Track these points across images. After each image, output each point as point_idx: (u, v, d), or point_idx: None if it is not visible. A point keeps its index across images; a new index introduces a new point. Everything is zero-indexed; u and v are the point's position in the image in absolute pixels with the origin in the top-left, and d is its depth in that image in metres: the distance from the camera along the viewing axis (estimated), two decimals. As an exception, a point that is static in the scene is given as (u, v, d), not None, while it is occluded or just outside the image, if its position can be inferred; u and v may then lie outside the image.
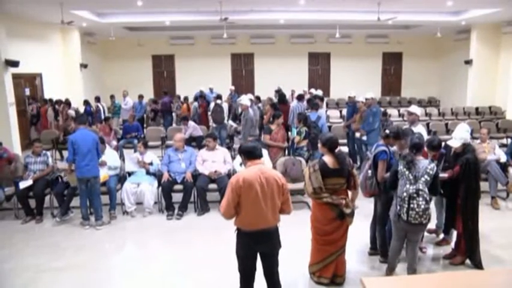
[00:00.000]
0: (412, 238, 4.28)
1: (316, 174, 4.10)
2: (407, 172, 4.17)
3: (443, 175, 4.84)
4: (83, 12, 12.12)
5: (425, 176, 4.08)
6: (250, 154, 3.51)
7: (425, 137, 5.66)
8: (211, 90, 15.29)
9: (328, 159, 4.18)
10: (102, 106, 13.44)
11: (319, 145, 4.31)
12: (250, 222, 3.43)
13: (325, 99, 11.82)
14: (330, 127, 10.04)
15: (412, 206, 4.09)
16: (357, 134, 8.73)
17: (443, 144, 5.28)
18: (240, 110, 12.26)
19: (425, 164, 4.14)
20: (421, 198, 4.06)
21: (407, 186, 4.13)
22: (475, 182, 4.71)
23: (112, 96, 13.90)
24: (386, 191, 4.57)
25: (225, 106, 11.21)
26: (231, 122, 11.20)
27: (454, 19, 13.78)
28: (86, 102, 13.09)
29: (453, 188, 4.78)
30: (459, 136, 4.76)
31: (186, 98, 13.69)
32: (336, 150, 4.22)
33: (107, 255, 5.29)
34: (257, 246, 3.50)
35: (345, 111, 11.12)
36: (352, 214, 4.19)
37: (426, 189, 4.06)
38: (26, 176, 6.54)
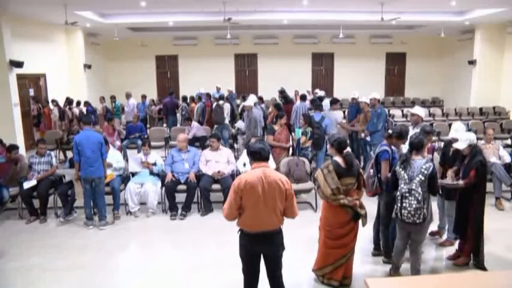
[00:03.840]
0: (415, 238, 4.28)
1: (331, 175, 4.09)
2: (402, 172, 4.20)
3: (456, 182, 4.77)
4: (86, 13, 12.17)
5: (420, 176, 4.08)
6: (256, 155, 3.50)
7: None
8: (218, 89, 15.30)
9: (339, 159, 4.19)
10: (106, 106, 13.53)
11: (329, 146, 4.32)
12: (252, 223, 3.44)
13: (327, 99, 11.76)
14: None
15: (404, 205, 4.13)
16: (362, 135, 8.70)
17: (442, 144, 5.28)
18: (239, 110, 12.29)
19: (420, 164, 4.13)
20: (412, 198, 4.08)
21: (402, 185, 4.17)
22: (485, 185, 4.69)
23: (113, 97, 13.89)
24: (387, 191, 4.57)
25: (227, 107, 11.20)
26: (238, 124, 11.24)
27: (458, 19, 13.74)
28: (87, 103, 13.15)
29: (464, 191, 4.69)
30: (465, 138, 4.72)
31: (193, 98, 13.57)
32: (345, 151, 4.23)
33: (111, 255, 5.30)
34: (259, 248, 3.50)
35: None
36: (365, 215, 4.20)
37: (419, 189, 4.06)
38: (30, 176, 6.57)
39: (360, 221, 4.24)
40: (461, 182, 4.72)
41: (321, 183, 4.15)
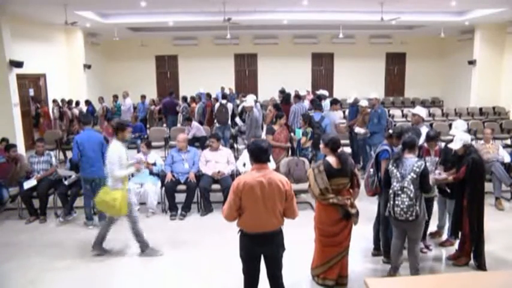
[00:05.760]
0: (411, 236, 4.30)
1: (321, 175, 4.10)
2: (395, 170, 4.24)
3: (444, 176, 4.86)
4: (86, 13, 12.16)
5: (412, 174, 4.11)
6: (256, 157, 3.49)
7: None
8: (222, 89, 15.38)
9: (332, 159, 4.19)
10: (106, 106, 13.55)
11: (321, 146, 4.32)
12: (251, 224, 3.44)
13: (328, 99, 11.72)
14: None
15: (396, 202, 4.17)
16: (356, 129, 8.63)
17: (443, 144, 5.30)
18: (239, 110, 12.28)
19: (412, 162, 4.18)
20: (404, 195, 4.11)
21: (394, 183, 4.21)
22: (481, 183, 4.70)
23: (115, 96, 13.94)
24: (386, 190, 4.58)
25: (230, 106, 11.18)
26: (238, 121, 11.22)
27: (458, 19, 13.75)
28: (88, 102, 13.16)
29: (459, 189, 4.76)
30: (459, 138, 4.77)
31: (193, 98, 13.55)
32: (339, 150, 4.23)
33: (110, 255, 5.29)
34: (259, 248, 3.51)
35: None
36: (357, 214, 4.20)
37: (411, 187, 4.09)
38: (31, 175, 6.58)
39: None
40: (450, 177, 4.80)
41: (311, 182, 4.19)
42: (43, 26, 13.03)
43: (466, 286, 3.05)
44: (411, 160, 4.21)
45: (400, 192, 4.15)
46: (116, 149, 4.92)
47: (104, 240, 5.26)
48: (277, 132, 7.41)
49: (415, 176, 4.11)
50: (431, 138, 5.29)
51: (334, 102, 9.17)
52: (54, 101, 12.78)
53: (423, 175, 4.14)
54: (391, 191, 4.23)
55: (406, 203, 4.10)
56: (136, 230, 5.17)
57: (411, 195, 4.08)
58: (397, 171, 4.21)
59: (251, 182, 3.35)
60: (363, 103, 8.84)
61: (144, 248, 5.23)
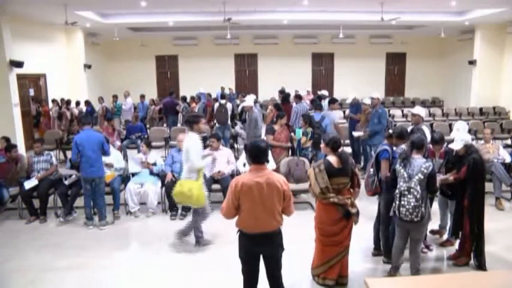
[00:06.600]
0: (414, 236, 4.29)
1: (322, 175, 4.11)
2: (402, 170, 4.22)
3: (445, 176, 4.86)
4: (86, 13, 12.16)
5: (419, 175, 4.10)
6: (254, 158, 3.49)
7: (429, 138, 5.67)
8: (222, 89, 15.38)
9: (332, 159, 4.20)
10: (106, 107, 13.55)
11: (322, 145, 4.33)
12: (250, 225, 3.45)
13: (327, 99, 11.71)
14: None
15: (402, 203, 4.15)
16: (356, 134, 8.65)
17: (445, 145, 5.30)
18: (239, 110, 12.29)
19: (420, 163, 4.16)
20: (411, 196, 4.10)
21: (401, 183, 4.19)
22: (481, 183, 4.69)
23: (115, 96, 13.94)
24: (387, 190, 4.57)
25: (229, 106, 11.17)
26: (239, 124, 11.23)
27: (458, 19, 13.74)
28: (87, 103, 13.16)
29: (460, 190, 4.75)
30: (460, 138, 4.76)
31: (193, 98, 13.56)
32: (339, 150, 4.24)
33: (111, 255, 5.30)
34: (258, 249, 3.51)
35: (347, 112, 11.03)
36: (357, 213, 4.20)
37: (418, 188, 4.08)
38: (31, 175, 6.58)
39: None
40: (451, 177, 4.79)
41: (312, 181, 4.20)
42: (43, 26, 13.03)
43: (466, 286, 3.05)
44: (419, 161, 4.19)
45: (406, 192, 4.13)
46: (196, 141, 5.03)
47: (189, 233, 5.45)
48: (278, 132, 7.41)
49: (422, 177, 4.09)
50: (437, 141, 5.22)
51: (332, 101, 9.16)
52: (54, 100, 12.78)
53: (431, 176, 4.12)
54: (397, 191, 4.21)
55: (412, 204, 4.08)
56: (199, 224, 5.40)
57: (418, 196, 4.07)
58: (405, 171, 4.19)
59: (249, 182, 3.36)
60: (366, 101, 8.83)
61: (201, 241, 5.44)
